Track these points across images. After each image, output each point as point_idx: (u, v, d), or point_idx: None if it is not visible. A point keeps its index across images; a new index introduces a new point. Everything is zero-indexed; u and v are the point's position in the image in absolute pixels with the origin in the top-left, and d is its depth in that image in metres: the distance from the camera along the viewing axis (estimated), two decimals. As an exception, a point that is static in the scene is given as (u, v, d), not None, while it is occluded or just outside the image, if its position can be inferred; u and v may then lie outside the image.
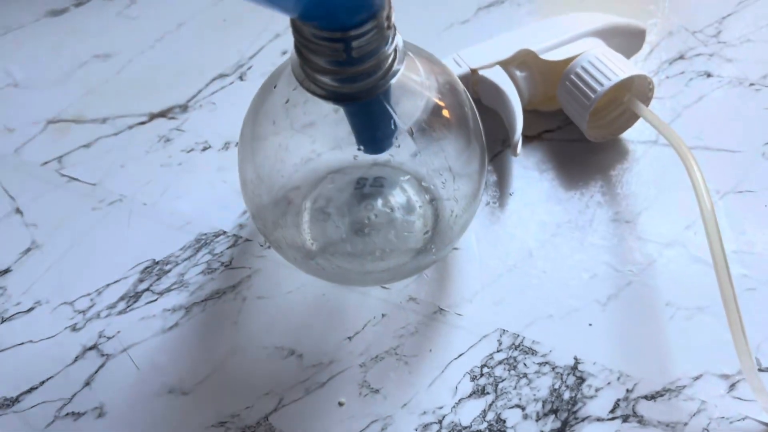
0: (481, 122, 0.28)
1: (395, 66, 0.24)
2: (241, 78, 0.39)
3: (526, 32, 0.35)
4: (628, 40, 0.35)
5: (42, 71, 0.40)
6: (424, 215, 0.27)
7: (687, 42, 0.38)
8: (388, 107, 0.25)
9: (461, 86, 0.29)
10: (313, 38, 0.21)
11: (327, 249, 0.29)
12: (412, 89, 0.26)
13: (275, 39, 0.40)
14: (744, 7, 0.40)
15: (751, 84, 0.37)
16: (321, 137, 0.26)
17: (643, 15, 0.40)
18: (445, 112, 0.28)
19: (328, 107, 0.25)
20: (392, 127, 0.25)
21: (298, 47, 0.23)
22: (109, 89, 0.39)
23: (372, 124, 0.25)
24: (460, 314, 0.31)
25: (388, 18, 0.22)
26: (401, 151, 0.26)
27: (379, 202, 0.30)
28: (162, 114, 0.38)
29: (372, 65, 0.23)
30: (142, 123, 0.38)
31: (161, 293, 0.32)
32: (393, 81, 0.24)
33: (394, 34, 0.23)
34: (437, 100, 0.27)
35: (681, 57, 0.38)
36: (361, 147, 0.26)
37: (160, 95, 0.39)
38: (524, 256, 0.32)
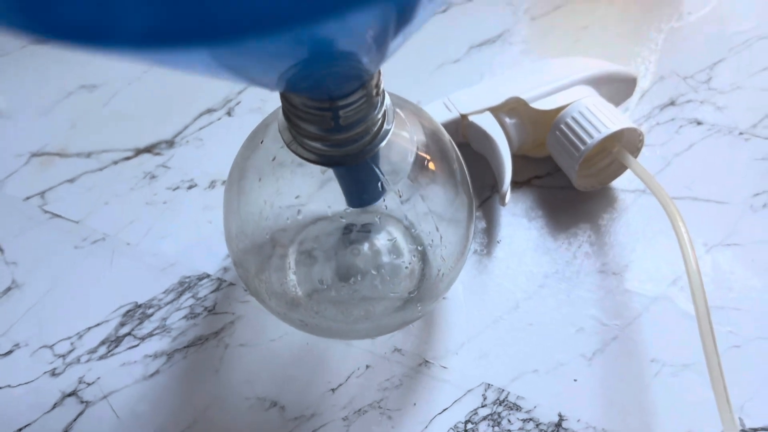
0: (470, 167, 0.28)
1: (384, 128, 0.23)
2: (228, 113, 0.39)
3: (517, 77, 0.35)
4: (619, 87, 0.35)
5: (27, 101, 0.39)
6: (410, 268, 0.27)
7: (678, 88, 0.38)
8: (376, 169, 0.24)
9: (447, 137, 0.28)
10: (301, 106, 0.21)
11: (312, 295, 0.29)
12: (400, 146, 0.26)
13: (265, 73, 0.40)
14: (735, 54, 0.40)
15: (741, 133, 0.37)
16: (308, 196, 0.25)
17: (635, 58, 0.40)
18: (431, 165, 0.28)
19: (315, 168, 0.24)
20: (380, 188, 0.25)
21: (286, 113, 0.22)
22: (95, 122, 0.39)
23: (360, 186, 0.25)
24: (445, 367, 0.30)
25: (377, 86, 0.22)
26: (390, 202, 0.26)
27: (366, 247, 0.29)
28: (148, 149, 0.37)
29: (359, 131, 0.22)
30: (128, 158, 0.37)
31: (143, 338, 0.32)
32: (381, 145, 0.23)
33: (383, 99, 0.23)
34: (423, 154, 0.27)
35: (672, 103, 0.38)
36: (349, 206, 0.26)
37: (146, 130, 0.38)
38: (511, 307, 0.32)
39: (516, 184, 0.35)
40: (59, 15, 0.09)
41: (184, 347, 0.31)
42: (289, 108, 0.22)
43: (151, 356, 0.31)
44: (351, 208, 0.25)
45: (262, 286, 0.27)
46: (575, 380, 0.30)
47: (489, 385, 0.30)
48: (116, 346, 0.31)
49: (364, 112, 0.22)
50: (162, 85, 0.40)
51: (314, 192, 0.25)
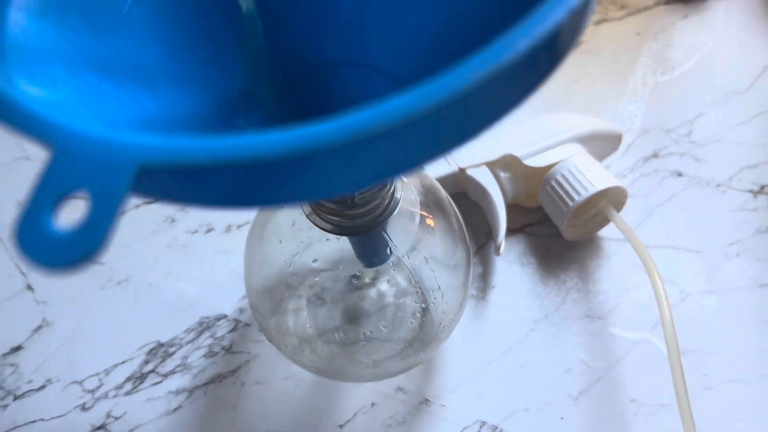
0: (467, 215, 0.31)
1: (393, 199, 0.26)
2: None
3: (512, 134, 0.37)
4: (605, 143, 0.38)
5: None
6: (414, 323, 0.30)
7: (661, 140, 0.41)
8: (386, 236, 0.27)
9: (444, 194, 0.31)
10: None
11: (320, 337, 0.32)
12: (407, 210, 0.29)
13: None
14: (714, 108, 0.43)
15: (718, 185, 0.40)
16: (323, 256, 0.28)
17: (621, 111, 0.43)
18: (430, 222, 0.31)
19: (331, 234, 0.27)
20: (388, 252, 0.28)
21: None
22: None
23: (371, 251, 0.27)
24: (444, 405, 0.33)
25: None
26: (396, 272, 0.29)
27: (374, 305, 0.32)
28: (168, 194, 0.40)
29: (373, 206, 0.25)
30: (148, 202, 0.40)
31: (166, 375, 0.34)
32: (390, 217, 0.26)
33: (394, 183, 0.26)
34: (423, 212, 0.30)
35: (655, 155, 0.41)
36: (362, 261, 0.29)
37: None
38: (504, 350, 0.35)
39: (510, 232, 0.38)
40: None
41: (204, 384, 0.34)
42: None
43: (173, 392, 0.34)
44: (362, 269, 0.28)
45: (278, 336, 0.30)
46: (562, 418, 0.33)
47: (484, 423, 0.33)
48: (141, 383, 0.34)
49: (377, 192, 0.25)
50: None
51: (330, 255, 0.28)
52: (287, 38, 0.22)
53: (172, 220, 0.39)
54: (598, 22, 0.46)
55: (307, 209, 0.26)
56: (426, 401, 0.33)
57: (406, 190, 0.29)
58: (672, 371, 0.30)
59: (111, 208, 0.11)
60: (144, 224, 0.39)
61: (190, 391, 0.34)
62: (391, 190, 0.26)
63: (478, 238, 0.38)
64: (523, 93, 0.13)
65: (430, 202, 0.31)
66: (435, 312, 0.30)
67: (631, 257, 0.37)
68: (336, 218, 0.25)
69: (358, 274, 0.30)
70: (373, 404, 0.33)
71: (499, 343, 0.35)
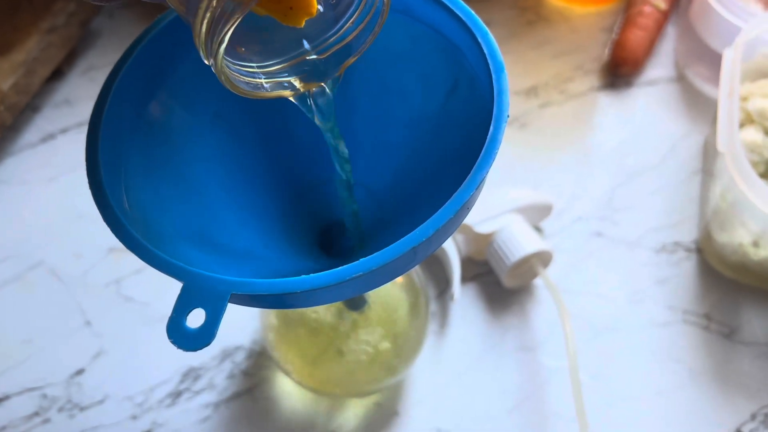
0: (431, 266, 0.42)
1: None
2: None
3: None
4: (539, 211, 0.49)
5: (102, 206, 0.52)
6: (387, 351, 0.41)
7: (585, 206, 0.52)
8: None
9: None
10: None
11: (314, 363, 0.42)
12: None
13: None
14: (631, 179, 0.53)
15: (628, 244, 0.50)
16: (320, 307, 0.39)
17: (557, 182, 0.53)
18: (399, 279, 0.41)
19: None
20: (367, 301, 0.38)
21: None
22: (155, 224, 0.52)
23: (353, 301, 0.38)
24: (410, 416, 0.44)
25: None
26: (371, 314, 0.40)
27: (356, 346, 0.43)
28: (195, 247, 0.51)
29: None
30: (181, 254, 0.50)
31: (197, 392, 0.45)
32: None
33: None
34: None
35: (580, 218, 0.52)
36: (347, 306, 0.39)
37: (193, 231, 0.51)
38: (458, 374, 0.45)
39: (464, 279, 0.49)
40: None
41: (227, 400, 0.44)
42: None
43: (203, 406, 0.44)
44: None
45: (286, 365, 0.40)
46: (500, 427, 0.43)
47: (440, 429, 0.43)
48: (177, 398, 0.44)
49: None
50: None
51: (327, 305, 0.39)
52: (303, 166, 0.33)
53: (199, 269, 0.49)
54: (542, 106, 0.57)
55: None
56: (396, 413, 0.44)
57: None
58: (573, 389, 0.41)
59: (218, 317, 0.22)
60: (177, 272, 0.49)
61: (216, 405, 0.44)
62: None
63: (439, 284, 0.49)
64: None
65: None
66: (402, 342, 0.41)
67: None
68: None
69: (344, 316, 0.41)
70: (356, 415, 0.44)
71: (453, 368, 0.45)
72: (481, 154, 0.24)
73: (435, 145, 0.31)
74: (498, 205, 0.48)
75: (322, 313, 0.40)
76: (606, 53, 0.60)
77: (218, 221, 0.30)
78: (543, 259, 0.47)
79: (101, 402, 0.44)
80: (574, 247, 0.50)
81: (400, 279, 0.42)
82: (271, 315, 0.41)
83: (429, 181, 0.31)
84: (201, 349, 0.22)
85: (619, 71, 0.58)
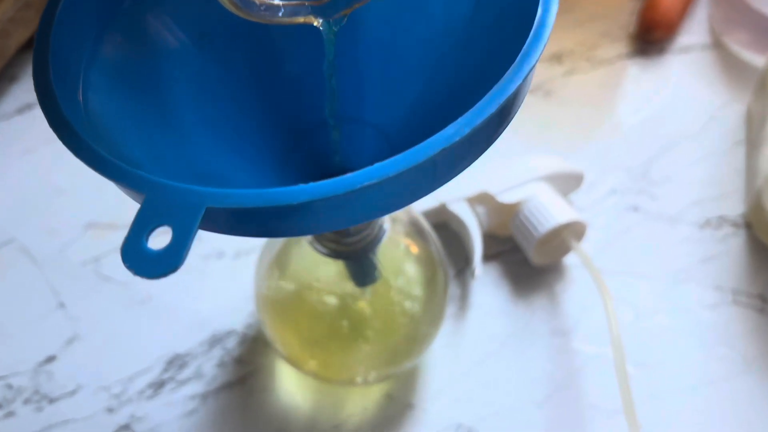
0: (449, 243, 0.37)
1: (382, 230, 0.32)
2: (251, 194, 0.47)
3: (487, 174, 0.43)
4: (569, 181, 0.44)
5: (81, 180, 0.47)
6: (400, 332, 0.35)
7: (620, 179, 0.47)
8: (375, 260, 0.32)
9: (427, 226, 0.37)
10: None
11: (319, 342, 0.36)
12: (393, 239, 0.34)
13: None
14: (668, 150, 0.48)
15: (669, 218, 0.45)
16: (324, 277, 0.34)
17: (586, 153, 0.48)
18: (414, 249, 0.36)
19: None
20: (377, 274, 0.33)
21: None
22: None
23: (362, 272, 0.33)
24: (425, 409, 0.38)
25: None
26: (383, 287, 0.34)
27: (365, 306, 0.37)
28: (184, 223, 0.45)
29: (365, 235, 0.31)
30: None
31: (182, 382, 0.39)
32: (380, 244, 0.31)
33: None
34: (409, 241, 0.35)
35: (614, 192, 0.46)
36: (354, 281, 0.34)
37: (182, 206, 0.46)
38: (479, 361, 0.40)
39: (485, 257, 0.43)
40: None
41: (216, 390, 0.39)
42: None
43: (189, 397, 0.39)
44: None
45: (284, 345, 0.35)
46: (529, 421, 0.38)
47: (460, 424, 0.38)
48: (160, 388, 0.39)
49: (369, 225, 0.30)
50: (195, 168, 0.48)
51: (330, 276, 0.33)
52: (307, 102, 0.28)
53: (188, 247, 0.44)
54: (567, 74, 0.52)
55: (310, 237, 0.31)
56: (410, 406, 0.38)
57: (393, 222, 0.34)
58: (618, 381, 0.35)
59: (187, 237, 0.16)
60: (163, 250, 0.44)
61: (204, 396, 0.39)
62: (380, 223, 0.31)
63: (458, 263, 0.43)
64: (465, 163, 0.19)
65: (413, 232, 0.36)
66: (417, 322, 0.35)
67: (591, 282, 0.42)
68: (334, 245, 0.31)
69: (351, 290, 0.35)
70: (364, 408, 0.38)
71: (474, 355, 0.40)
72: (528, 39, 0.19)
73: (458, 68, 0.26)
74: (522, 174, 0.43)
75: (326, 288, 0.34)
76: (634, 20, 0.55)
77: (196, 152, 0.25)
78: (576, 231, 0.41)
79: (73, 393, 0.39)
80: (608, 223, 0.45)
81: (414, 249, 0.36)
82: (268, 293, 0.36)
83: (450, 116, 0.26)
84: (165, 275, 0.16)
85: (652, 36, 0.53)
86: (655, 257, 0.44)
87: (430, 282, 0.37)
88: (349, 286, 0.34)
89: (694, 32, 0.55)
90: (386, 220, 0.32)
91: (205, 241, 0.44)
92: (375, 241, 0.31)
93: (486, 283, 0.43)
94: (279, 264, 0.34)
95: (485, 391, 0.39)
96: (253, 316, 0.41)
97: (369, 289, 0.35)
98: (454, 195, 0.42)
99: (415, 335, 0.36)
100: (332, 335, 0.35)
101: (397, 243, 0.35)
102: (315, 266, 0.34)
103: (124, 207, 0.46)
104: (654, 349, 0.40)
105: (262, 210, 0.17)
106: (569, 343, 0.40)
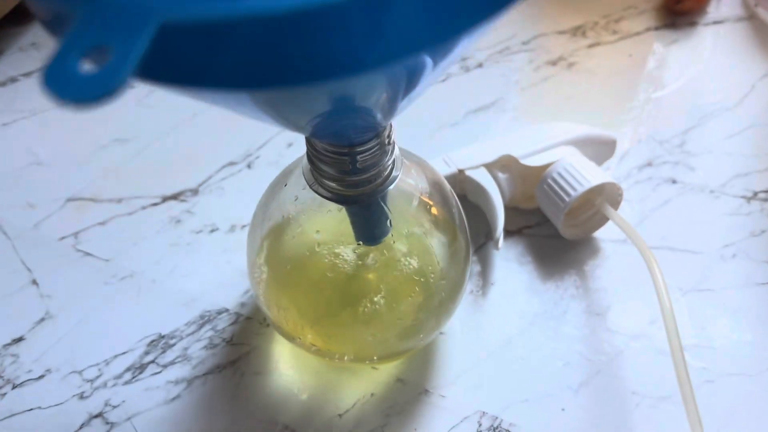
0: (466, 216, 0.32)
1: (393, 173, 0.27)
2: (249, 166, 0.42)
3: (509, 138, 0.39)
4: (600, 148, 0.39)
5: (65, 152, 0.43)
6: (414, 297, 0.30)
7: (654, 151, 0.42)
8: (385, 208, 0.28)
9: (448, 187, 0.32)
10: (323, 151, 0.25)
11: (322, 320, 0.31)
12: (406, 191, 0.30)
13: (282, 132, 0.44)
14: (705, 122, 0.44)
15: (711, 191, 0.40)
16: (326, 231, 0.29)
17: (616, 125, 0.44)
18: (434, 210, 0.31)
19: (333, 205, 0.28)
20: (388, 225, 0.28)
21: (310, 157, 0.26)
22: (126, 171, 0.42)
23: (370, 223, 0.28)
24: (443, 395, 0.33)
25: (389, 136, 0.26)
26: (396, 245, 0.29)
27: (374, 276, 0.32)
28: (174, 197, 0.41)
29: (373, 174, 0.26)
30: (155, 204, 0.41)
31: (165, 366, 0.34)
32: (390, 187, 0.27)
33: (393, 148, 0.27)
34: (427, 199, 0.31)
35: (649, 164, 0.42)
36: (360, 242, 0.29)
37: (173, 179, 0.42)
38: (503, 342, 0.35)
39: (508, 233, 0.39)
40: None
41: (203, 374, 0.34)
42: (313, 153, 0.25)
43: (172, 382, 0.34)
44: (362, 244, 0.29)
45: (280, 313, 0.30)
46: (563, 409, 0.33)
47: (484, 413, 0.33)
48: (140, 373, 0.34)
49: (378, 158, 0.26)
50: (188, 140, 0.44)
51: (332, 227, 0.29)
52: None
53: (178, 221, 0.40)
54: (591, 46, 0.49)
55: (310, 178, 0.27)
56: (425, 392, 0.33)
57: (409, 176, 0.30)
58: (674, 363, 0.30)
59: (130, 54, 0.12)
60: (149, 225, 0.40)
61: (189, 381, 0.34)
62: (391, 160, 0.26)
63: (477, 238, 0.39)
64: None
65: (434, 192, 0.31)
66: (433, 289, 0.30)
67: (629, 257, 0.38)
68: (337, 186, 0.26)
69: (359, 244, 0.31)
70: (372, 394, 0.33)
71: (498, 336, 0.35)
72: None
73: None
74: (549, 137, 0.38)
75: (328, 250, 0.30)
76: (662, -7, 0.51)
77: None
78: (611, 197, 0.37)
79: (41, 377, 0.34)
80: (644, 195, 0.41)
81: (434, 211, 0.32)
82: (263, 249, 0.31)
83: None
84: (98, 99, 0.12)
85: (681, 7, 0.49)
86: (699, 231, 0.39)
87: (449, 248, 0.32)
88: (356, 250, 0.29)
89: (725, 4, 0.51)
90: (398, 165, 0.27)
91: (197, 215, 0.40)
92: (386, 183, 0.27)
93: (509, 259, 0.38)
94: (276, 227, 0.30)
95: (511, 376, 0.34)
96: (248, 295, 0.37)
97: (378, 252, 0.30)
98: (472, 161, 0.38)
99: (430, 307, 0.31)
100: (335, 304, 0.30)
101: (412, 199, 0.31)
102: (316, 227, 0.29)
103: (109, 181, 0.42)
104: (702, 329, 0.35)
105: (244, 28, 0.12)
106: (605, 324, 0.35)
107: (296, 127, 0.22)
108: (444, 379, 0.34)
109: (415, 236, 0.30)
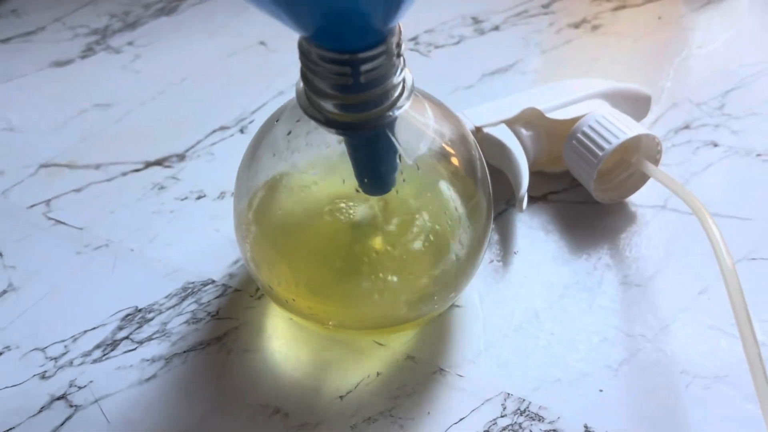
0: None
1: (402, 99, 0.23)
2: (241, 131, 0.38)
3: (531, 94, 0.35)
4: (633, 105, 0.35)
5: (40, 118, 0.39)
6: (427, 247, 0.25)
7: (692, 113, 0.38)
8: (393, 140, 0.24)
9: (471, 137, 0.28)
10: (320, 61, 0.21)
11: (318, 261, 0.27)
12: (420, 130, 0.26)
13: (279, 96, 0.40)
14: (745, 84, 0.40)
15: (758, 155, 0.36)
16: (322, 169, 0.25)
17: (648, 87, 0.40)
18: (454, 160, 0.27)
19: (331, 138, 0.24)
20: (397, 160, 0.24)
21: (304, 72, 0.22)
22: (106, 137, 0.38)
23: (376, 158, 0.24)
24: (461, 375, 0.28)
25: (398, 46, 0.21)
26: (406, 188, 0.25)
27: (382, 223, 0.27)
28: (158, 162, 0.37)
29: (379, 94, 0.22)
30: (137, 170, 0.37)
31: (141, 342, 0.30)
32: (399, 112, 0.23)
33: (403, 67, 0.23)
34: (447, 146, 0.27)
35: (686, 127, 0.38)
36: (360, 188, 0.24)
37: (157, 144, 0.38)
38: (530, 316, 0.30)
39: (531, 199, 0.34)
40: None
41: (184, 352, 0.29)
42: (308, 64, 0.21)
43: (148, 360, 0.29)
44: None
45: (270, 270, 0.26)
46: (601, 390, 0.28)
47: (509, 395, 0.28)
48: (112, 350, 0.30)
49: (384, 70, 0.21)
50: (176, 105, 0.40)
51: (329, 165, 0.24)
52: None
53: (161, 188, 0.36)
54: (617, 9, 0.45)
55: (305, 102, 0.23)
56: (440, 371, 0.29)
57: (425, 115, 0.26)
58: (742, 337, 0.25)
59: None
60: (130, 192, 0.36)
61: (168, 359, 0.29)
62: (401, 77, 0.22)
63: (497, 205, 0.34)
64: None
65: (455, 139, 0.27)
66: (450, 244, 0.26)
67: (671, 223, 0.33)
68: (336, 110, 0.22)
69: (358, 190, 0.26)
70: (378, 374, 0.29)
71: (524, 310, 0.30)
72: None
73: None
74: (577, 90, 0.34)
75: (326, 194, 0.25)
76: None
77: None
78: (648, 154, 0.32)
79: (-1, 356, 0.30)
80: (683, 159, 0.36)
81: (455, 161, 0.27)
82: (251, 194, 0.26)
83: None
84: None
85: (714, -33, 0.45)
86: (746, 196, 0.34)
87: (469, 202, 0.27)
88: (359, 203, 0.25)
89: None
90: (408, 84, 0.23)
91: (183, 181, 0.36)
92: (393, 109, 0.22)
93: (533, 227, 0.34)
94: (264, 168, 0.25)
95: (540, 354, 0.29)
96: (237, 265, 0.32)
97: (384, 204, 0.26)
98: (490, 118, 0.34)
99: (445, 266, 0.26)
100: (334, 257, 0.26)
101: (430, 141, 0.26)
102: (312, 166, 0.25)
103: (87, 147, 0.38)
104: (758, 302, 0.30)
105: None
106: (647, 296, 0.31)
107: (294, 17, 0.18)
108: (461, 357, 0.29)
109: (429, 181, 0.26)
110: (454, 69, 0.41)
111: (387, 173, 0.24)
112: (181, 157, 0.37)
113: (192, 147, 0.38)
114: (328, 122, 0.22)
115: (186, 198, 0.35)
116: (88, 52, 0.44)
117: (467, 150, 0.27)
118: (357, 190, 0.24)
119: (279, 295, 0.26)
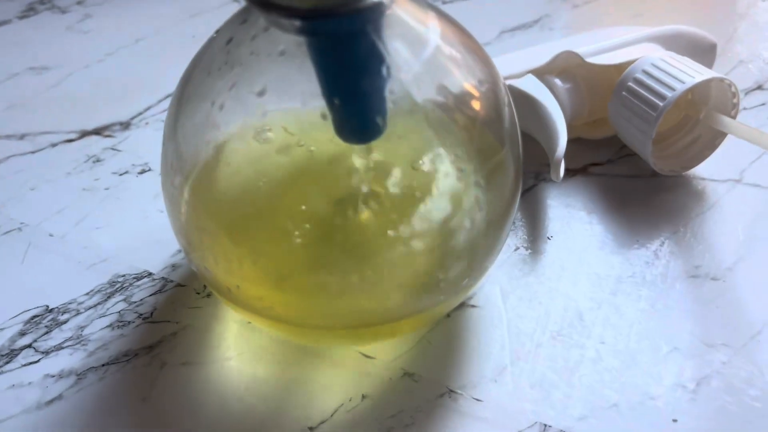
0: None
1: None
2: (203, 95, 0.31)
3: (567, 40, 0.27)
4: (694, 53, 0.28)
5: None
6: (427, 204, 0.18)
7: (764, 72, 0.31)
8: (380, 48, 0.16)
9: (502, 80, 0.20)
10: None
11: (287, 249, 0.19)
12: (424, 47, 0.18)
13: (252, 56, 0.33)
14: (828, 40, 0.32)
15: None
16: (277, 85, 0.17)
17: (704, 44, 0.32)
18: (476, 104, 0.19)
19: (287, 41, 0.16)
20: (384, 74, 0.16)
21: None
22: (37, 104, 0.31)
23: (353, 74, 0.16)
24: (479, 400, 0.20)
25: None
26: (399, 125, 0.17)
27: (361, 149, 0.19)
28: (96, 131, 0.30)
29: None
30: (69, 141, 0.29)
31: (47, 352, 0.22)
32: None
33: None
34: (472, 88, 0.19)
35: (759, 87, 0.30)
36: (337, 134, 0.17)
37: (99, 112, 0.31)
38: (572, 319, 0.22)
39: (569, 172, 0.27)
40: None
41: (103, 365, 0.22)
42: None
43: (53, 377, 0.22)
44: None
45: (204, 244, 0.18)
46: (675, 420, 0.20)
47: (546, 426, 0.20)
48: (8, 362, 0.22)
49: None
50: (126, 69, 0.33)
51: (288, 85, 0.17)
52: None
53: (97, 160, 0.28)
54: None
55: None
56: (449, 393, 0.21)
57: (430, 29, 0.19)
58: None
59: None
60: (58, 166, 0.28)
61: (80, 375, 0.22)
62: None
63: (525, 179, 0.27)
64: None
65: (483, 77, 0.20)
66: (462, 194, 0.18)
67: (750, 202, 0.26)
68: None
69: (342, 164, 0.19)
70: (364, 397, 0.21)
71: (562, 311, 0.23)
72: None
73: None
74: (624, 33, 0.27)
75: (283, 124, 0.18)
76: None
77: None
78: (721, 107, 0.25)
79: None
80: (759, 124, 0.29)
81: (476, 104, 0.19)
82: (179, 159, 0.18)
83: None
84: None
85: None
86: None
87: (489, 159, 0.20)
88: (325, 134, 0.17)
89: None
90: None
91: (125, 153, 0.29)
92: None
93: (571, 206, 0.26)
94: (198, 94, 0.18)
95: (587, 370, 0.21)
96: (176, 256, 0.25)
97: (374, 157, 0.18)
98: (515, 68, 0.27)
99: (453, 241, 0.18)
100: (293, 230, 0.18)
101: (448, 74, 0.18)
102: (262, 84, 0.17)
103: (12, 114, 0.31)
104: None
105: None
106: (729, 292, 0.23)
107: None
108: (479, 374, 0.21)
109: (435, 120, 0.18)
110: (469, 25, 0.34)
111: (376, 120, 0.16)
112: (126, 125, 0.30)
113: (140, 114, 0.30)
114: (285, 11, 0.15)
115: (126, 172, 0.28)
116: (29, 11, 0.37)
117: (492, 88, 0.20)
118: (324, 116, 0.16)
119: (218, 280, 0.18)
